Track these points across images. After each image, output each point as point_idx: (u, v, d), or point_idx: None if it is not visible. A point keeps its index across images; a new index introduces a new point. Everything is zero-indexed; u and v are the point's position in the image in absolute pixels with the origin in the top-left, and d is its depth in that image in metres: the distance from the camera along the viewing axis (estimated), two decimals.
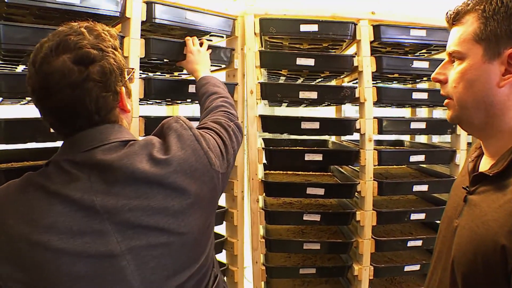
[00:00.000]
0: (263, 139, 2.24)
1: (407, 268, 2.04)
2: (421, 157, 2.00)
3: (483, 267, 0.83)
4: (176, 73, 2.09)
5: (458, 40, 0.90)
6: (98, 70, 0.85)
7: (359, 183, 1.92)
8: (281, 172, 2.35)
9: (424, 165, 2.35)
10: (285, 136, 2.35)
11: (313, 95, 1.87)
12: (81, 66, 0.83)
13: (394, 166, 2.43)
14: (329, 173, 2.36)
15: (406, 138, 2.66)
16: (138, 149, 0.88)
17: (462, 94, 0.89)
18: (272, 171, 2.35)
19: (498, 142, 0.90)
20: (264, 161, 1.96)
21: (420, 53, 2.21)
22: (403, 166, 2.47)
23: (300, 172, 2.34)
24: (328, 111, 3.10)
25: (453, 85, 0.90)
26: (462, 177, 1.04)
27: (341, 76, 2.25)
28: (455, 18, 0.91)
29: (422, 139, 2.80)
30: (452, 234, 0.96)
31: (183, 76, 2.13)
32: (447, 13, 0.94)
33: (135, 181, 0.83)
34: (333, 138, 2.60)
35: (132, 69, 1.02)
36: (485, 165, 0.94)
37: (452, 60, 0.92)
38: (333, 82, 2.45)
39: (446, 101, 0.95)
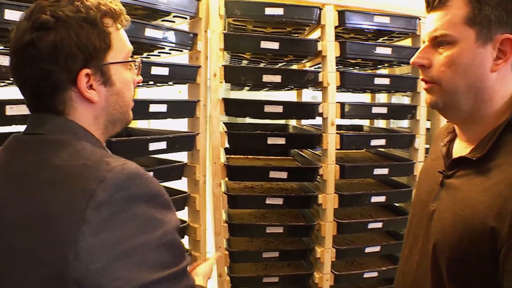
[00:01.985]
0: (223, 123, 2.24)
1: (367, 250, 2.12)
2: (382, 141, 2.07)
3: (469, 250, 0.85)
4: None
5: (447, 23, 0.88)
6: (48, 39, 0.76)
7: (321, 166, 1.97)
8: (243, 156, 2.37)
9: (382, 150, 2.44)
10: (246, 120, 2.36)
11: (277, 78, 1.88)
12: (32, 31, 0.76)
13: (354, 151, 2.51)
14: (290, 157, 2.40)
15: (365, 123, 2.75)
16: None
17: (453, 78, 0.89)
18: (234, 156, 2.36)
19: (479, 127, 0.92)
20: (227, 145, 1.96)
21: (382, 40, 2.27)
22: (362, 150, 2.55)
23: (261, 157, 2.37)
24: (288, 96, 3.13)
25: (441, 69, 0.90)
26: (433, 161, 1.06)
27: (303, 61, 2.28)
28: (441, 1, 0.90)
29: (380, 124, 2.90)
30: (428, 218, 0.98)
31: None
32: None
33: None
34: (293, 123, 2.64)
35: (133, 60, 0.92)
36: (460, 149, 0.97)
37: (436, 44, 0.91)
38: (295, 67, 2.47)
39: (427, 85, 0.94)
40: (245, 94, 3.35)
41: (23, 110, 1.29)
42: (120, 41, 0.87)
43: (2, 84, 1.70)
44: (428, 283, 0.96)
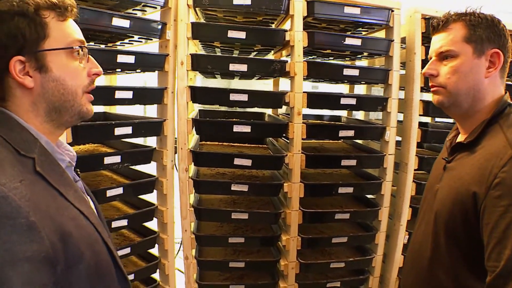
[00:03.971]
0: (200, 110, 2.32)
1: (334, 240, 2.17)
2: (350, 133, 2.11)
3: (459, 212, 1.16)
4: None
5: (450, 41, 1.21)
6: None
7: (286, 155, 2.03)
8: (217, 143, 2.45)
9: (360, 142, 2.47)
10: (224, 108, 2.44)
11: (243, 67, 1.95)
12: None
13: (330, 141, 2.55)
14: (264, 146, 2.47)
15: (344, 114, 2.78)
16: None
17: (456, 83, 1.20)
18: (208, 142, 2.45)
19: (473, 120, 1.23)
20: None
21: (357, 31, 2.29)
22: (340, 141, 2.59)
23: (236, 144, 2.44)
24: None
25: (447, 76, 1.21)
26: (442, 153, 1.37)
27: (275, 50, 2.34)
28: (444, 25, 1.23)
29: (358, 116, 2.91)
30: (433, 197, 1.29)
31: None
32: (433, 22, 1.27)
33: None
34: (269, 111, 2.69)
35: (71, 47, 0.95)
36: (460, 140, 1.27)
37: (442, 58, 1.23)
38: (271, 56, 2.53)
39: (435, 88, 1.25)
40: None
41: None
42: (61, 31, 0.93)
43: None
44: (429, 247, 1.27)
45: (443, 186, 1.26)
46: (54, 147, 0.96)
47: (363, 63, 2.71)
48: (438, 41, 1.25)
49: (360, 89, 2.75)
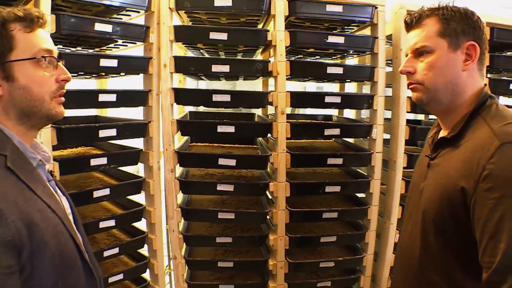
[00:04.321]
0: (190, 112, 2.36)
1: (323, 239, 2.18)
2: (336, 131, 2.11)
3: (448, 208, 1.13)
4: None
5: (425, 37, 1.19)
6: None
7: (271, 154, 2.05)
8: (206, 144, 2.48)
9: (351, 141, 2.47)
10: (216, 110, 2.48)
11: (225, 68, 1.98)
12: None
13: (321, 140, 2.56)
14: (254, 146, 2.49)
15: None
16: None
17: (433, 79, 1.19)
18: (198, 144, 2.49)
19: (454, 115, 1.21)
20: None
21: (344, 29, 2.30)
22: (331, 140, 2.59)
23: (225, 145, 2.47)
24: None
25: (424, 73, 1.20)
26: (425, 151, 1.37)
27: (262, 51, 2.36)
28: (418, 21, 1.22)
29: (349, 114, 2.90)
30: (419, 196, 1.27)
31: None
32: (407, 19, 1.25)
33: None
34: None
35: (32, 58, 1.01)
36: (442, 135, 1.26)
37: (418, 54, 1.21)
38: (260, 57, 2.55)
39: (413, 86, 1.24)
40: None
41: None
42: (27, 42, 1.00)
43: None
44: (418, 247, 1.25)
45: (428, 184, 1.25)
46: (26, 147, 1.04)
47: (354, 61, 2.70)
48: (413, 38, 1.23)
49: (351, 87, 2.75)
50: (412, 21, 1.23)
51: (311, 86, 4.44)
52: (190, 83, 3.55)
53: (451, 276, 1.17)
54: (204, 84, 4.69)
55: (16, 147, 1.01)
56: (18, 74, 0.99)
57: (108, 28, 1.86)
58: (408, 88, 1.30)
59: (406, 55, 1.26)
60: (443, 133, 1.28)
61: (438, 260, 1.19)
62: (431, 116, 2.63)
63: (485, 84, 1.24)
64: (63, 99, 1.09)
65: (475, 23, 1.19)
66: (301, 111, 3.28)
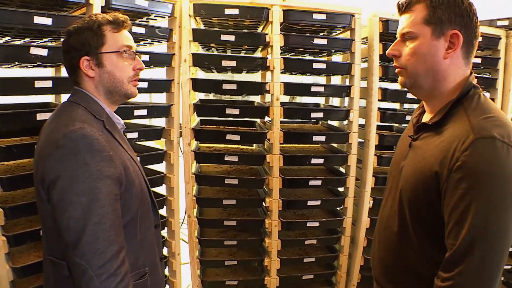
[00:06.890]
0: (200, 99, 2.96)
1: (309, 203, 2.76)
2: (320, 114, 2.71)
3: (422, 190, 1.22)
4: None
5: (411, 23, 1.24)
6: (68, 40, 1.40)
7: (268, 132, 2.64)
8: (215, 126, 3.08)
9: (335, 124, 3.06)
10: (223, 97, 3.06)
11: (233, 63, 2.57)
12: (65, 36, 1.43)
13: (311, 125, 3.15)
14: (254, 128, 3.09)
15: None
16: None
17: (415, 64, 1.24)
18: (208, 126, 3.08)
19: (437, 101, 1.28)
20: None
21: (329, 32, 2.90)
22: (319, 124, 3.19)
23: (230, 127, 3.06)
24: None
25: (407, 58, 1.26)
26: (408, 130, 1.46)
27: (262, 49, 2.96)
28: (407, 7, 1.26)
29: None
30: (399, 173, 1.36)
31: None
32: (399, 3, 1.30)
33: None
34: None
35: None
36: (426, 119, 1.36)
37: (405, 39, 1.27)
38: (259, 54, 3.15)
39: (398, 70, 1.32)
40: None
41: (47, 83, 2.03)
42: (114, 40, 1.41)
43: (33, 65, 2.51)
44: (396, 222, 1.35)
45: (408, 164, 1.33)
46: (114, 115, 1.49)
47: (339, 58, 3.30)
48: (402, 22, 1.28)
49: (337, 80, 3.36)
50: (403, 6, 1.28)
51: (308, 80, 5.06)
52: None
53: (425, 252, 1.26)
54: (202, 75, 5.35)
55: (108, 115, 1.43)
56: (106, 62, 1.40)
57: (141, 30, 2.45)
58: (396, 72, 1.35)
59: (395, 39, 1.33)
60: (426, 116, 1.36)
61: (413, 236, 1.28)
62: (406, 105, 3.20)
63: (471, 73, 1.28)
64: (138, 83, 1.50)
65: (463, 11, 1.20)
66: (298, 100, 3.88)
